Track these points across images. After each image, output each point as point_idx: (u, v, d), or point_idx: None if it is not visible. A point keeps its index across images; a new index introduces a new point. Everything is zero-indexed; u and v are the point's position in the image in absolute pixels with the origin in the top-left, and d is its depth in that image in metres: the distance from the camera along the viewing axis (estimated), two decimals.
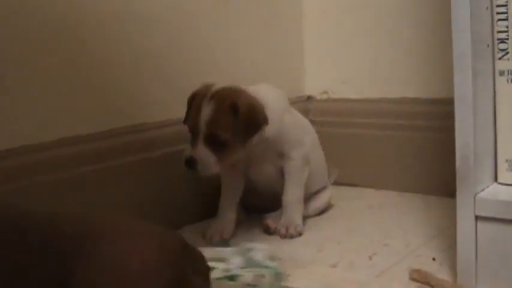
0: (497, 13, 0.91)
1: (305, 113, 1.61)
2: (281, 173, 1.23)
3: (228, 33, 1.42)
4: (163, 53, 1.26)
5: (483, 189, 0.92)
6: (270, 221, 1.22)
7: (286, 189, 1.22)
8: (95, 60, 1.14)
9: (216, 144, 1.10)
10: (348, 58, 1.59)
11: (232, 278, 0.90)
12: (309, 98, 1.65)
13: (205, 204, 1.31)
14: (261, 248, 0.97)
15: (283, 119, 1.20)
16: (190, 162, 1.11)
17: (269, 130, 1.15)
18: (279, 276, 0.93)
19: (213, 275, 0.85)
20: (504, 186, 0.94)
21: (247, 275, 0.90)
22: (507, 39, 0.91)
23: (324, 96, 1.64)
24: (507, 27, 0.91)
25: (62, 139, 1.08)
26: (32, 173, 1.02)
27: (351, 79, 1.59)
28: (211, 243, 1.16)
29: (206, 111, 1.10)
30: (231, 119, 1.10)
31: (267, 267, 0.93)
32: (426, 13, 1.41)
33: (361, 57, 1.57)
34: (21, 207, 0.52)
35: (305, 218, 1.24)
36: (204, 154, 1.10)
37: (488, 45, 0.92)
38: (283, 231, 1.18)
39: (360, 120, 1.55)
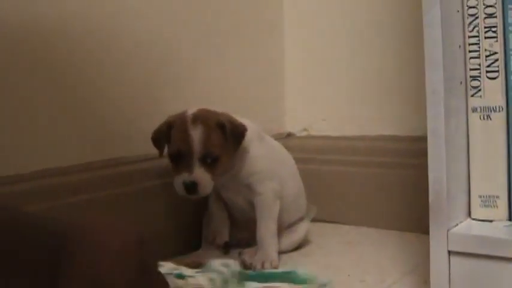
0: (470, 51, 0.94)
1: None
2: (252, 205, 1.24)
3: (210, 69, 1.43)
4: (143, 88, 1.27)
5: (456, 225, 0.92)
6: (247, 256, 1.21)
7: (258, 224, 1.22)
8: (75, 92, 1.14)
9: (209, 162, 1.14)
10: (328, 96, 1.61)
11: (180, 276, 0.90)
12: (289, 135, 1.66)
13: (185, 239, 1.31)
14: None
15: (247, 148, 1.23)
16: (193, 187, 1.13)
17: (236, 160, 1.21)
18: (227, 281, 0.92)
19: (161, 270, 0.85)
20: (477, 222, 0.95)
21: (197, 277, 0.90)
22: (479, 76, 0.93)
23: (304, 133, 1.65)
24: (479, 65, 0.93)
25: (41, 171, 1.08)
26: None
27: (330, 117, 1.60)
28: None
29: (196, 133, 1.14)
30: (219, 135, 1.15)
31: (219, 272, 0.93)
32: (406, 53, 1.43)
33: (341, 95, 1.58)
34: (14, 210, 0.64)
35: (281, 252, 1.24)
36: (203, 175, 1.14)
37: (461, 83, 0.94)
38: (258, 266, 1.17)
39: (339, 157, 1.56)
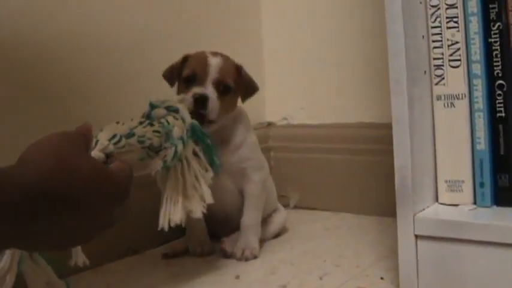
0: (433, 41, 0.96)
1: (266, 138, 1.65)
2: (239, 195, 1.25)
3: None
4: (112, 84, 1.28)
5: (423, 209, 0.95)
6: (227, 244, 1.24)
7: (245, 212, 1.24)
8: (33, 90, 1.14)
9: (221, 89, 1.16)
10: (307, 86, 1.64)
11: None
12: (270, 124, 1.69)
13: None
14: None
15: (249, 135, 1.26)
16: (202, 99, 1.11)
17: (237, 134, 1.23)
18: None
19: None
20: (444, 206, 0.98)
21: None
22: (443, 65, 0.96)
23: (284, 123, 1.68)
24: (442, 54, 0.96)
25: None
26: None
27: (309, 106, 1.63)
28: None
29: (215, 61, 1.17)
30: (235, 74, 1.20)
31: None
32: (382, 42, 1.45)
33: (319, 85, 1.61)
34: None
35: (262, 241, 1.27)
36: (214, 96, 1.14)
37: (425, 72, 0.97)
38: (239, 253, 1.20)
39: (318, 145, 1.59)
